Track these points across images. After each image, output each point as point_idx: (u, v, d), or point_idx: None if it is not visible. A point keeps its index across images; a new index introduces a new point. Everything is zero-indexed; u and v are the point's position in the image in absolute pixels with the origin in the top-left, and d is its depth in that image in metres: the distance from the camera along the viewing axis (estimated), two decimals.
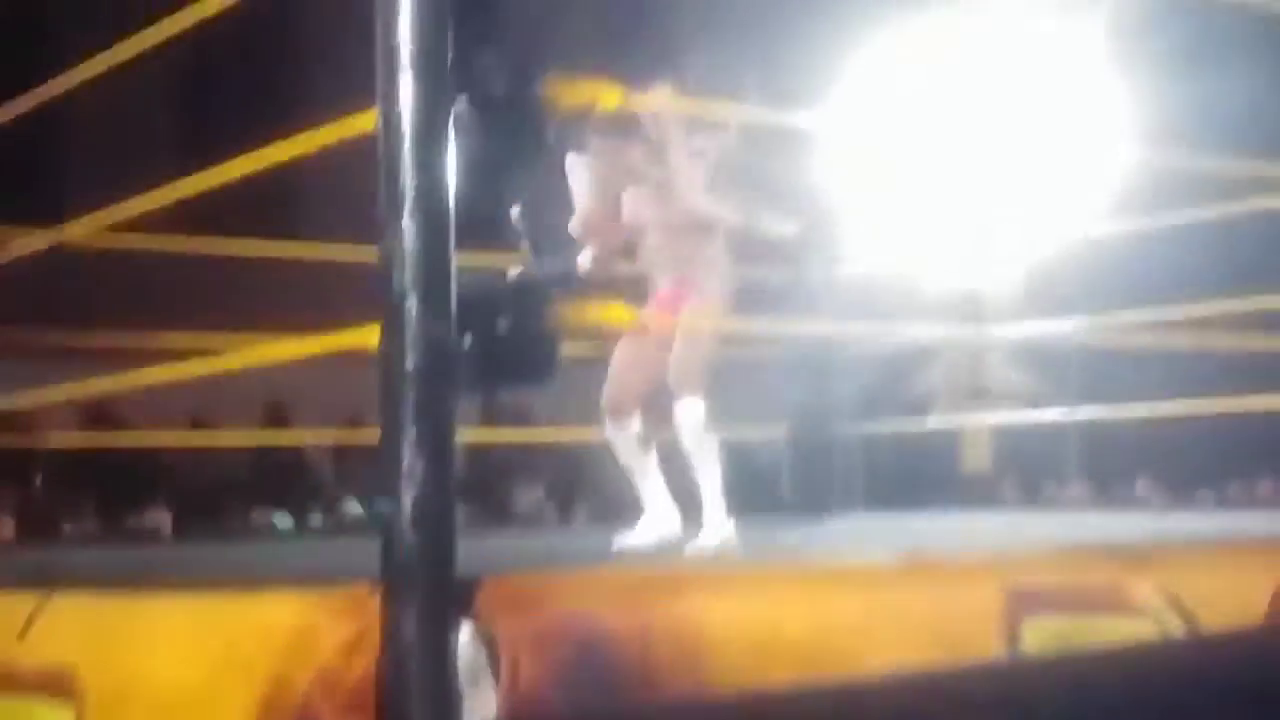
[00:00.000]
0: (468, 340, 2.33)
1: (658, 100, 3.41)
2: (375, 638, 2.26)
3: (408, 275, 2.25)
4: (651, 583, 2.60)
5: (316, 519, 8.76)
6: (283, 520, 4.80)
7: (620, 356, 3.93)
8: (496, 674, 2.27)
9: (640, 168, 3.79)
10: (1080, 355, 12.89)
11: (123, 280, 9.66)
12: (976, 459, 11.44)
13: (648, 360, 3.91)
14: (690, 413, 3.88)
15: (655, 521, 4.01)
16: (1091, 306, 6.69)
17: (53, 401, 3.77)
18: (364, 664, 2.28)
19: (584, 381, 4.03)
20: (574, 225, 3.94)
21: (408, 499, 2.23)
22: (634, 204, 3.92)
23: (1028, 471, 11.07)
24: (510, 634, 2.28)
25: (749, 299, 4.50)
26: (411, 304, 2.25)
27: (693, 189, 3.82)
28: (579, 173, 3.85)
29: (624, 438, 3.98)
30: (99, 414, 10.37)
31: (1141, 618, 2.92)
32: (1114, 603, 2.92)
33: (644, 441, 4.00)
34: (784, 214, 4.11)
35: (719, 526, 3.87)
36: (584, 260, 3.92)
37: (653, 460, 4.03)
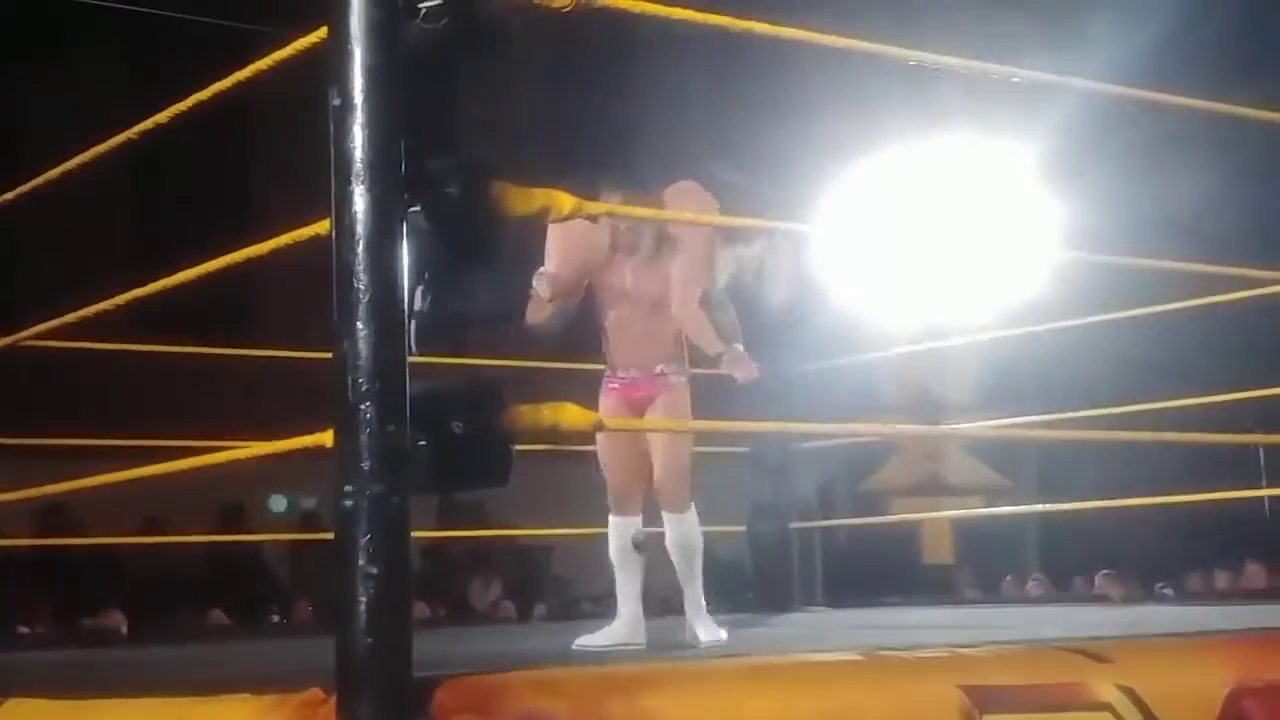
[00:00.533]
0: (423, 442, 2.35)
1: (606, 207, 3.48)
2: None
3: (362, 378, 2.27)
4: (609, 681, 2.59)
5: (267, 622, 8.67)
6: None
7: (609, 452, 3.96)
8: None
9: (631, 238, 3.79)
10: (1038, 450, 12.98)
11: (80, 382, 9.62)
12: (937, 551, 11.49)
13: (634, 453, 3.95)
14: (679, 527, 3.91)
15: (625, 626, 4.03)
16: (1048, 403, 6.75)
17: (6, 502, 3.74)
18: None
19: (540, 479, 4.05)
20: (543, 282, 3.95)
21: (363, 600, 2.24)
22: (615, 272, 3.93)
23: (988, 563, 11.09)
24: None
25: (707, 393, 4.54)
26: (366, 406, 2.27)
27: (688, 303, 3.86)
28: (560, 231, 3.85)
29: (624, 529, 4.00)
30: (53, 515, 10.29)
31: (1102, 714, 2.92)
32: (1074, 700, 2.92)
33: (639, 543, 4.03)
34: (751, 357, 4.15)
35: (711, 629, 3.90)
36: (538, 310, 3.93)
37: (641, 563, 4.06)
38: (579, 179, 2.92)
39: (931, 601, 7.38)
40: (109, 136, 3.37)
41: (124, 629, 7.89)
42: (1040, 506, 8.57)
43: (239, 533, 11.06)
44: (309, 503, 5.05)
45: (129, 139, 3.31)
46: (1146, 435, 4.23)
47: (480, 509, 9.40)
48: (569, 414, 2.61)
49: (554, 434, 2.62)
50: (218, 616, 9.09)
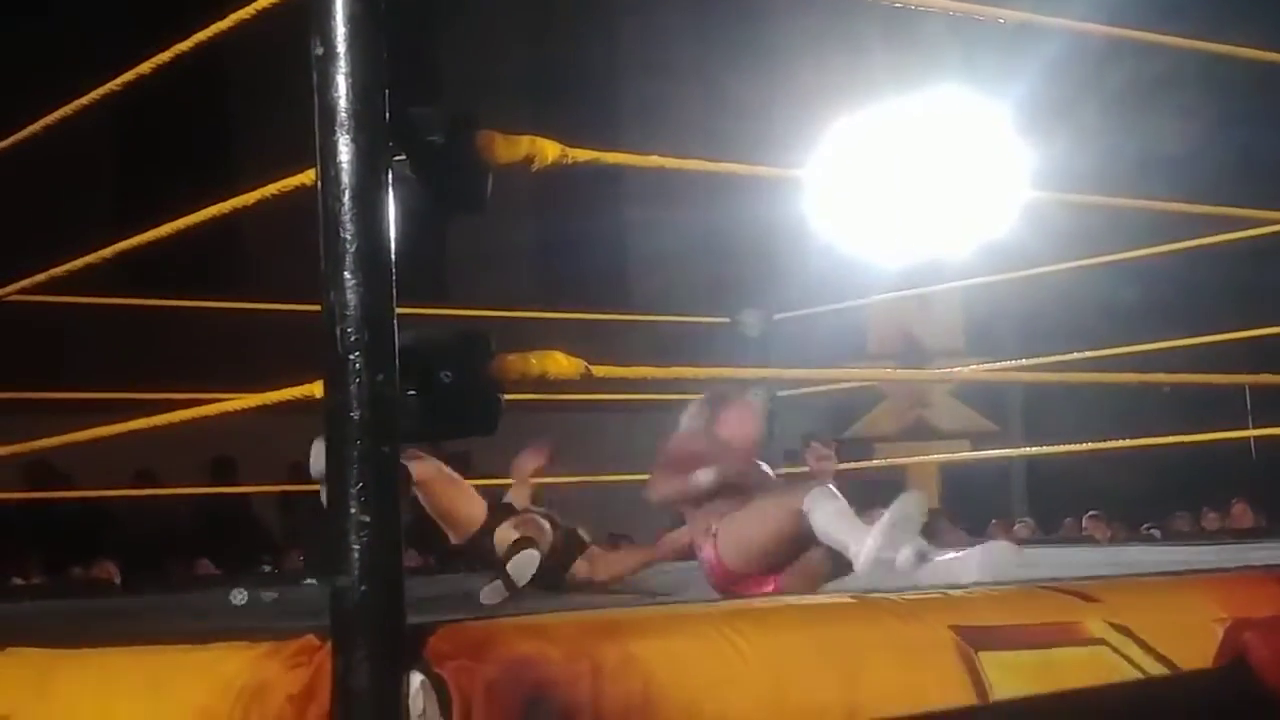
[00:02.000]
0: (412, 391, 2.36)
1: None
2: (326, 688, 2.27)
3: (351, 329, 2.28)
4: (601, 626, 2.61)
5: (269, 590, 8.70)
6: (239, 596, 4.83)
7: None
8: None
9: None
10: (1024, 394, 13.02)
11: (70, 337, 9.62)
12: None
13: None
14: None
15: None
16: (1033, 345, 6.77)
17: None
18: (315, 715, 2.29)
19: (527, 429, 4.08)
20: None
21: (355, 549, 2.25)
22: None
23: (974, 507, 11.14)
24: (462, 681, 2.29)
25: (694, 343, 4.56)
26: (355, 357, 2.27)
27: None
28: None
29: None
30: (42, 469, 10.30)
31: (1098, 649, 2.94)
32: (1067, 637, 2.94)
33: None
34: None
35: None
36: None
37: None
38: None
39: None
40: (90, 89, 3.35)
41: (117, 579, 7.92)
42: (1026, 450, 8.61)
43: (230, 485, 11.09)
44: (269, 595, 5.22)
45: (110, 90, 3.30)
46: (1133, 377, 4.25)
47: (467, 459, 9.42)
48: (557, 363, 2.62)
49: (542, 383, 2.63)
50: (206, 566, 9.12)
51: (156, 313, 7.20)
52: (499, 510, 4.35)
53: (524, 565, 3.94)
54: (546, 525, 4.30)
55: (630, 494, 4.40)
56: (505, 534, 4.15)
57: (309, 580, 7.10)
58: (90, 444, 3.32)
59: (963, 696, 2.72)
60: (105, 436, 3.19)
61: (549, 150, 2.61)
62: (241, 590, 5.10)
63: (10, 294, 3.82)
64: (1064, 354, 5.77)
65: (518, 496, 4.59)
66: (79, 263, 3.39)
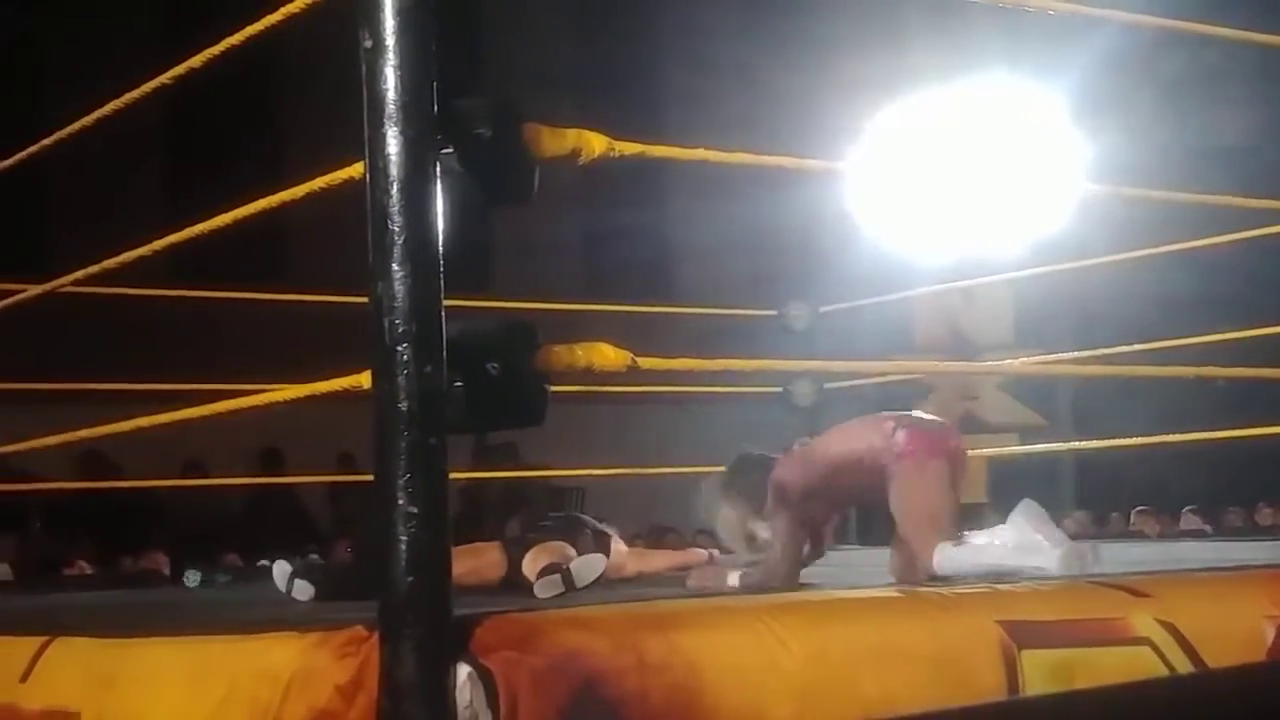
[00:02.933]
0: (459, 383, 2.36)
1: None
2: (373, 679, 2.28)
3: (399, 320, 2.29)
4: (646, 618, 2.62)
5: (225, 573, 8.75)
6: (192, 578, 4.88)
7: None
8: (496, 713, 2.28)
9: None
10: (1074, 387, 12.93)
11: (122, 327, 9.70)
12: (971, 490, 11.45)
13: None
14: None
15: None
16: (1083, 338, 6.73)
17: (50, 447, 3.79)
18: (363, 705, 2.30)
19: (574, 420, 4.08)
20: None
21: (403, 540, 2.26)
22: None
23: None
24: (509, 673, 2.30)
25: (737, 337, 4.55)
26: (403, 348, 2.28)
27: None
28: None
29: None
30: (95, 459, 10.40)
31: (1141, 649, 2.92)
32: (1113, 635, 2.92)
33: None
34: None
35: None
36: None
37: None
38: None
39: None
40: (142, 82, 3.38)
41: (166, 570, 7.98)
42: (1076, 444, 8.56)
43: (278, 476, 11.16)
44: (224, 578, 5.30)
45: (162, 84, 3.32)
46: (1186, 370, 4.21)
47: (515, 450, 9.45)
48: (603, 354, 2.62)
49: (588, 374, 2.63)
50: (233, 560, 9.16)
51: (208, 304, 7.25)
52: (511, 547, 4.34)
53: (588, 568, 3.94)
54: (564, 544, 4.30)
55: (674, 486, 4.40)
56: (531, 568, 4.15)
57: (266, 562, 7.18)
58: (141, 435, 3.35)
59: (995, 692, 2.71)
60: (155, 426, 3.21)
61: (596, 143, 2.62)
62: (195, 572, 5.16)
63: (63, 285, 3.85)
64: (1115, 347, 5.74)
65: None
66: (131, 255, 3.42)
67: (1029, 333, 10.77)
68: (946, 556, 3.69)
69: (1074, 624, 2.90)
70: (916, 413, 4.13)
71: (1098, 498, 12.18)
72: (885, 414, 4.04)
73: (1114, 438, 6.01)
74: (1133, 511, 10.80)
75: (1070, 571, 3.51)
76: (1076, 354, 6.22)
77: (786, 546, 3.94)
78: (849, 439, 4.01)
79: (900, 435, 3.86)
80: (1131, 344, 5.71)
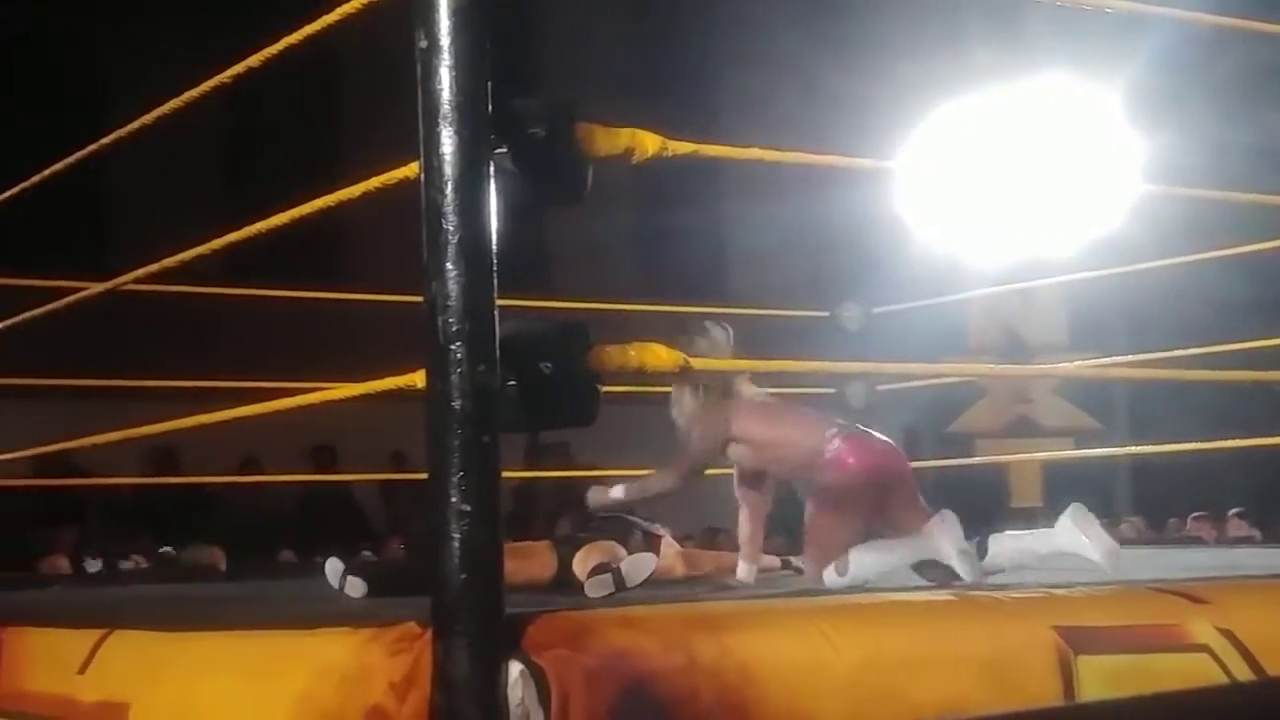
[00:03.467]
0: (512, 382, 2.37)
1: None
2: (426, 676, 2.29)
3: (452, 319, 2.30)
4: (698, 619, 2.62)
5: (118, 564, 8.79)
6: (93, 565, 4.93)
7: None
8: (547, 711, 2.29)
9: None
10: (1130, 390, 12.82)
11: (181, 325, 9.78)
12: (1026, 494, 11.39)
13: None
14: None
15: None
16: (1139, 341, 6.67)
17: (111, 442, 3.82)
18: (415, 701, 2.31)
19: (625, 420, 4.09)
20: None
21: (455, 537, 2.27)
22: None
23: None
24: (560, 671, 2.31)
25: (791, 339, 4.54)
26: (456, 347, 2.29)
27: None
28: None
29: None
30: (161, 454, 10.52)
31: (1199, 656, 2.89)
32: (1170, 642, 2.89)
33: None
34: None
35: None
36: None
37: None
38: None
39: None
40: (202, 82, 3.41)
41: (222, 565, 8.04)
42: (1132, 449, 8.47)
43: (331, 473, 11.24)
44: (126, 564, 5.39)
45: (220, 84, 3.35)
46: (1244, 375, 4.17)
47: (567, 449, 9.47)
48: (655, 354, 2.62)
49: (640, 374, 2.64)
50: (287, 556, 9.23)
51: (265, 303, 7.31)
52: (561, 546, 4.36)
53: (638, 567, 3.95)
54: (615, 544, 4.31)
55: (726, 487, 4.39)
56: (581, 568, 4.17)
57: (165, 549, 7.23)
58: (198, 432, 3.37)
59: (1051, 697, 2.69)
60: (213, 423, 3.24)
61: (649, 143, 2.62)
62: (95, 560, 5.19)
63: (123, 284, 3.89)
64: (1172, 350, 5.68)
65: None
66: (190, 253, 3.44)
67: (1084, 335, 10.70)
68: (833, 574, 3.84)
69: (1131, 630, 2.87)
70: (872, 431, 4.19)
71: (1154, 502, 12.08)
72: (838, 420, 4.19)
73: (1170, 442, 5.95)
74: (1189, 517, 10.70)
75: (1115, 571, 3.55)
76: (1132, 357, 6.16)
77: (696, 460, 4.12)
78: (792, 425, 4.15)
79: (835, 443, 4.00)
80: (1187, 347, 5.65)
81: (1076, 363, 7.74)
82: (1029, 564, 3.93)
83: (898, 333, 6.38)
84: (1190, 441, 5.85)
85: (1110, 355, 6.77)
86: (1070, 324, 11.10)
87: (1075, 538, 3.87)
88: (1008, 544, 3.91)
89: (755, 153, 3.05)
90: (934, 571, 3.85)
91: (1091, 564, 3.82)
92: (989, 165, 6.56)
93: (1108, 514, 11.75)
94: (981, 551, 3.92)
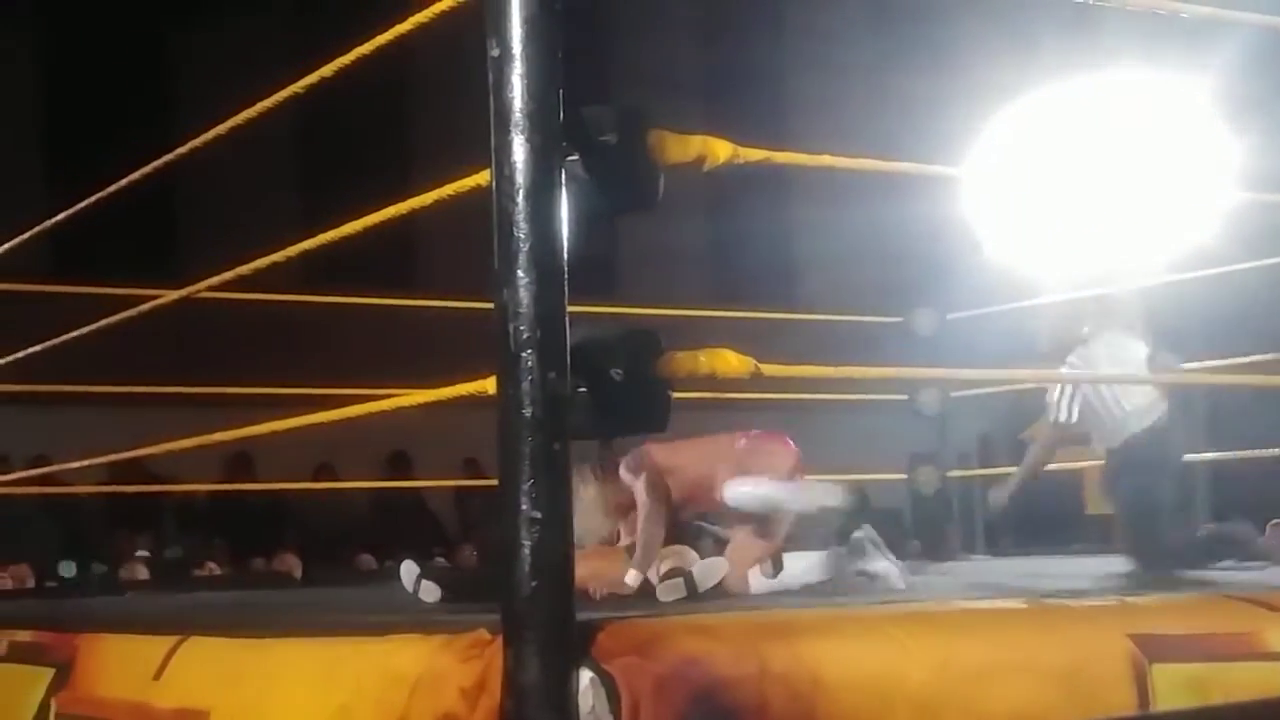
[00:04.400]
0: (583, 388, 2.37)
1: None
2: (497, 682, 2.30)
3: (523, 326, 2.30)
4: (769, 627, 2.61)
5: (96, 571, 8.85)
6: (68, 569, 4.97)
7: None
8: (617, 718, 2.29)
9: None
10: (1207, 397, 12.64)
11: (255, 332, 9.87)
12: (1102, 501, 11.24)
13: None
14: None
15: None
16: (1218, 347, 6.59)
17: (186, 450, 3.86)
18: (486, 708, 2.32)
19: (696, 427, 4.09)
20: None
21: (526, 545, 2.28)
22: None
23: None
24: (630, 678, 2.30)
25: (864, 345, 4.52)
26: (528, 355, 2.30)
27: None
28: None
29: None
30: (236, 461, 10.62)
31: (1276, 664, 2.85)
32: (1246, 650, 2.86)
33: None
34: None
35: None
36: None
37: None
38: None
39: (1096, 551, 7.26)
40: (275, 90, 3.44)
41: (298, 572, 8.11)
42: (1208, 454, 8.36)
43: (405, 480, 11.30)
44: (100, 568, 5.35)
45: (293, 93, 3.38)
46: None
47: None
48: (726, 361, 2.62)
49: (711, 381, 2.63)
50: (367, 561, 9.29)
51: (338, 310, 7.37)
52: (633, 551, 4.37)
53: (710, 573, 3.95)
54: (686, 549, 4.30)
55: None
56: (653, 572, 4.17)
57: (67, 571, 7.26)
58: (273, 438, 3.40)
59: (1125, 706, 2.67)
60: (287, 430, 3.26)
61: (721, 149, 2.61)
62: (70, 563, 5.22)
63: (198, 291, 3.93)
64: (1249, 356, 5.61)
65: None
66: (265, 260, 3.47)
67: (1161, 340, 10.56)
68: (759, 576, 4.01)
69: (1206, 638, 2.84)
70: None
71: (1232, 508, 11.90)
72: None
73: (1249, 448, 5.87)
74: (1268, 524, 10.53)
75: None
76: (1210, 363, 6.09)
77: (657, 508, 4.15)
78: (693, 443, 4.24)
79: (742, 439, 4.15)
80: (1267, 353, 5.58)
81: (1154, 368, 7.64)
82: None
83: (972, 338, 6.33)
84: (1270, 448, 5.77)
85: (1188, 360, 6.69)
86: (1147, 329, 10.96)
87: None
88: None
89: (827, 159, 3.04)
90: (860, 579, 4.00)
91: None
92: (1064, 168, 6.49)
93: (1183, 518, 11.58)
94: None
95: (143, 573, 8.49)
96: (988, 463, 11.49)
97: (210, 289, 3.85)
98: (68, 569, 8.27)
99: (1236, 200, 5.24)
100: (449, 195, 2.72)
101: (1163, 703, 2.70)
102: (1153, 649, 2.74)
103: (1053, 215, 6.92)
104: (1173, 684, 2.72)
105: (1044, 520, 10.21)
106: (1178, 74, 6.88)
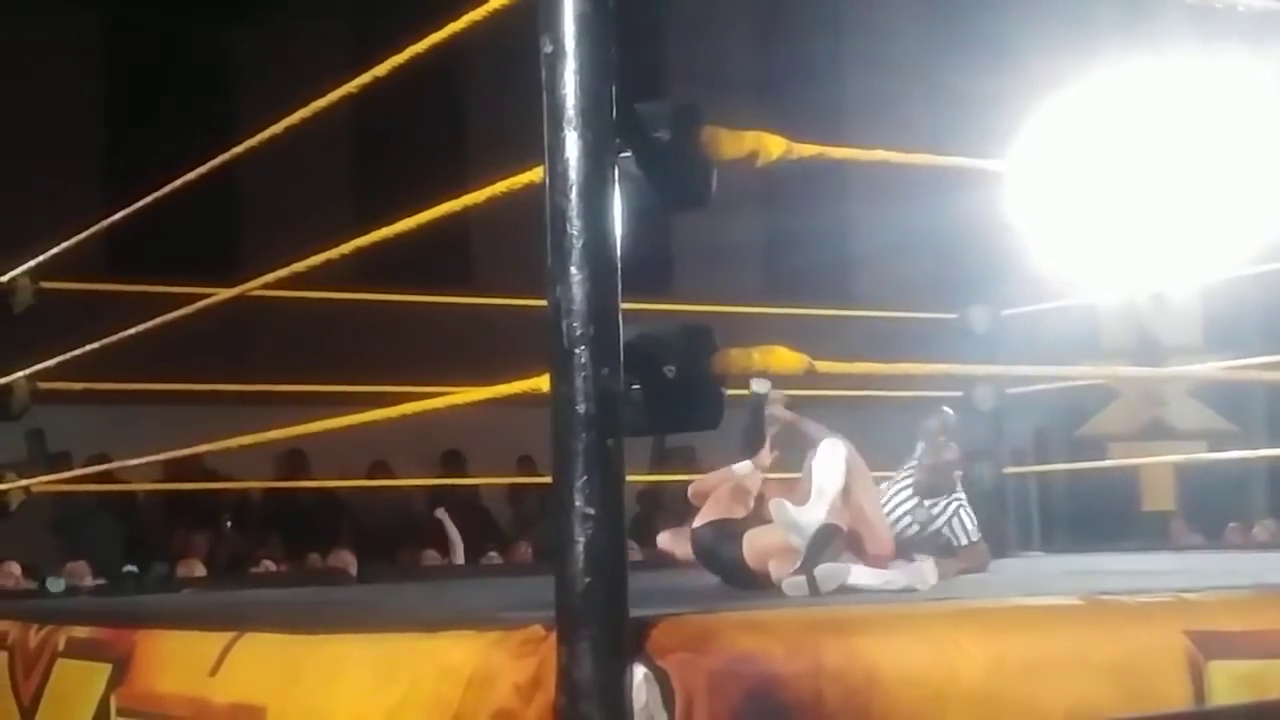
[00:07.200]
0: (636, 385, 2.38)
1: None
2: (551, 678, 2.30)
3: (577, 324, 2.31)
4: (824, 623, 2.60)
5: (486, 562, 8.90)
6: (55, 584, 5.02)
7: None
8: (671, 714, 2.29)
9: None
10: (1269, 392, 12.53)
11: (310, 330, 9.93)
12: (1158, 498, 11.18)
13: None
14: None
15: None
16: (1276, 341, 6.52)
17: (242, 447, 3.89)
18: (541, 704, 2.33)
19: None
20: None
21: (580, 541, 2.28)
22: None
23: (1211, 510, 10.78)
24: (684, 674, 2.31)
25: (919, 341, 4.49)
26: (581, 352, 2.30)
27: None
28: None
29: None
30: (291, 459, 10.70)
31: None
32: None
33: None
34: None
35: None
36: None
37: None
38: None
39: (1151, 548, 7.20)
40: (330, 88, 3.46)
41: (353, 570, 8.16)
42: (1267, 451, 8.29)
43: (459, 477, 11.34)
44: (158, 566, 5.36)
45: (349, 93, 3.40)
46: None
47: (692, 453, 9.47)
48: (779, 357, 2.61)
49: (765, 378, 2.63)
50: (432, 556, 9.33)
51: (393, 307, 7.40)
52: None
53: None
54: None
55: None
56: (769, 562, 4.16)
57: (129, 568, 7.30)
58: (328, 436, 3.42)
59: (1181, 703, 2.65)
60: (343, 427, 3.28)
61: (774, 145, 2.61)
62: (58, 580, 5.29)
63: (253, 289, 3.96)
64: None
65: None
66: (319, 258, 3.50)
67: (1219, 336, 10.48)
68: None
69: (1264, 635, 2.81)
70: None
71: None
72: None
73: None
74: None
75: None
76: (1268, 359, 6.02)
77: None
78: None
79: None
80: None
81: (1211, 364, 7.58)
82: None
83: (1027, 335, 6.29)
84: None
85: (1246, 356, 6.62)
86: (1205, 325, 10.88)
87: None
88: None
89: (881, 154, 3.03)
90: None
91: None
92: (1120, 164, 6.44)
93: (1242, 516, 11.51)
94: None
95: (199, 569, 8.56)
96: (1043, 459, 11.43)
97: (265, 286, 3.88)
98: (126, 567, 8.35)
99: None
100: (502, 192, 2.73)
101: (1218, 699, 2.68)
102: (1209, 645, 2.72)
103: (1110, 210, 6.87)
104: (1229, 681, 2.70)
105: (1100, 517, 10.15)
106: (1238, 64, 6.81)
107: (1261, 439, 11.12)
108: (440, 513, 9.77)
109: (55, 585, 4.94)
